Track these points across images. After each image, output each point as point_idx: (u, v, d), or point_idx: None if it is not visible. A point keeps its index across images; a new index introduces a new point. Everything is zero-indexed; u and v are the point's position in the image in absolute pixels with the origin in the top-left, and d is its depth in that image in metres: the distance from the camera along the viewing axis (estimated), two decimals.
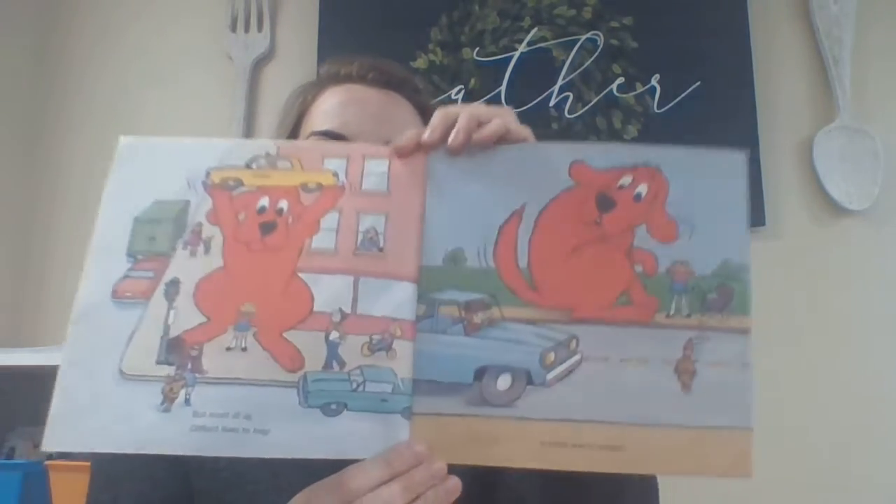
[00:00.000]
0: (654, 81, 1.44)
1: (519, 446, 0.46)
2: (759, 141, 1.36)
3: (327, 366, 0.47)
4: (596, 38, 1.48)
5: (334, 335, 0.47)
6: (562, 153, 0.51)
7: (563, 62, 1.48)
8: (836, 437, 1.26)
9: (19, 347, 1.45)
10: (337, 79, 0.68)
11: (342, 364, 0.47)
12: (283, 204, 0.50)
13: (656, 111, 1.42)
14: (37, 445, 1.38)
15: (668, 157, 0.51)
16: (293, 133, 0.68)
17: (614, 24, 1.48)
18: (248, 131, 1.55)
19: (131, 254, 0.49)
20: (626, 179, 0.50)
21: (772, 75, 1.41)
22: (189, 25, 1.64)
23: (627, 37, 1.47)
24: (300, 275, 0.49)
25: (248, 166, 0.51)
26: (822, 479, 1.24)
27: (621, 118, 1.44)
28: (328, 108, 0.66)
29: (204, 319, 0.47)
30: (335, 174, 0.51)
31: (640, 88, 1.44)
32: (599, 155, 0.51)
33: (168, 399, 0.45)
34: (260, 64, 1.60)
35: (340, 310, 0.48)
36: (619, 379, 0.47)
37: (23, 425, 1.49)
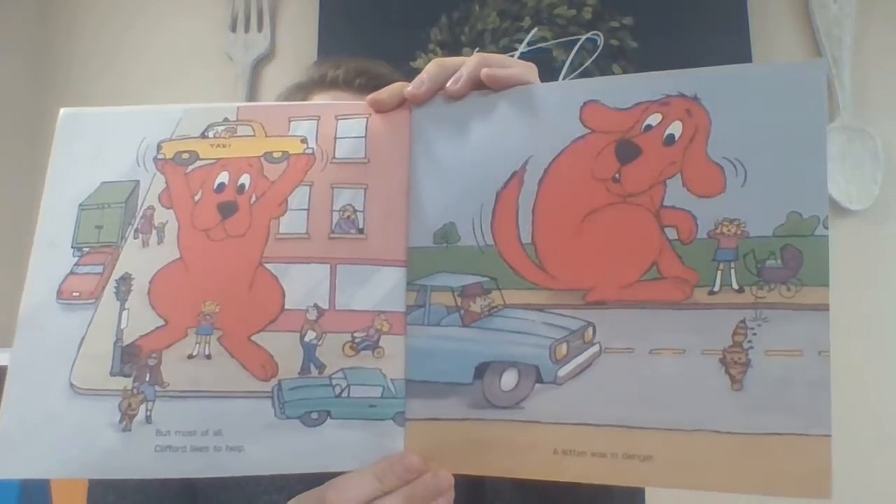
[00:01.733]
0: None
1: (527, 455, 0.40)
2: None
3: (304, 371, 0.41)
4: (596, 38, 1.48)
5: (310, 335, 0.42)
6: (571, 94, 0.42)
7: (563, 62, 1.48)
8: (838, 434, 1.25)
9: None
10: (323, 84, 0.65)
11: (321, 368, 0.41)
12: (245, 179, 0.44)
13: None
14: None
15: (709, 81, 0.40)
16: None
17: (614, 24, 1.47)
18: None
19: (77, 246, 0.44)
20: (654, 118, 0.40)
21: None
22: (189, 25, 1.63)
23: (627, 37, 1.47)
24: (267, 265, 0.42)
25: (203, 135, 0.45)
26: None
27: None
28: None
29: (161, 322, 0.42)
30: (303, 140, 0.44)
31: None
32: (618, 90, 0.41)
33: (127, 416, 0.40)
34: (260, 64, 1.59)
35: (316, 305, 0.42)
36: (647, 374, 0.38)
37: None
